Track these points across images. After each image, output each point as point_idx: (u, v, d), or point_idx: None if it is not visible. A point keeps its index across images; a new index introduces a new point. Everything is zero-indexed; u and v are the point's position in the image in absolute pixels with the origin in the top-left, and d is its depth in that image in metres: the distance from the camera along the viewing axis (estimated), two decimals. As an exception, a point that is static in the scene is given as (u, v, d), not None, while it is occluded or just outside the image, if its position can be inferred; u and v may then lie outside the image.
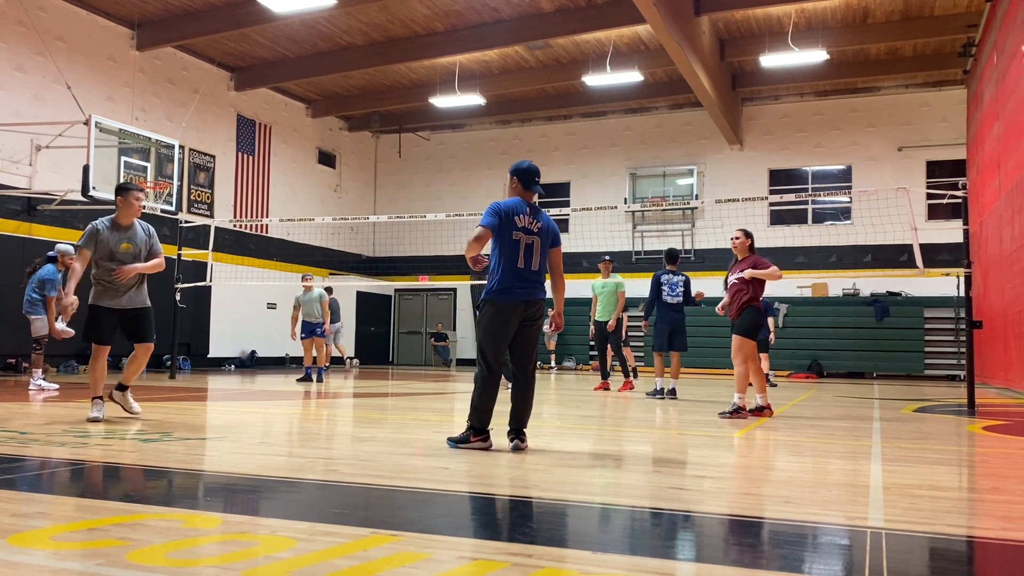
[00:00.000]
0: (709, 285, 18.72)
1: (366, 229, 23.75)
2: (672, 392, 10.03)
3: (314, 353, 12.94)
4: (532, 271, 4.95)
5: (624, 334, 11.86)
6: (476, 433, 4.93)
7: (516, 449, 4.85)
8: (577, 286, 21.16)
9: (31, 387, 9.73)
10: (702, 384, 14.12)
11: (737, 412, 7.28)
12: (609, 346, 11.85)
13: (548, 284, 5.19)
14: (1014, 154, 12.11)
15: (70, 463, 4.23)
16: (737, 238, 7.62)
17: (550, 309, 5.15)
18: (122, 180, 13.57)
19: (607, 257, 12.03)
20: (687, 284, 10.23)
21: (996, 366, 14.60)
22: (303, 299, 12.88)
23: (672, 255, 10.41)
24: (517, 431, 4.94)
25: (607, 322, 11.39)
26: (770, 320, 14.33)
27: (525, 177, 5.07)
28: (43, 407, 7.46)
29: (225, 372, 16.80)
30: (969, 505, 3.53)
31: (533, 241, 4.97)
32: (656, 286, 10.19)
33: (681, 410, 8.41)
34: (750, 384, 7.46)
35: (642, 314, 12.90)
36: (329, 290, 18.63)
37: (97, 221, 6.27)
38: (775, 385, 14.26)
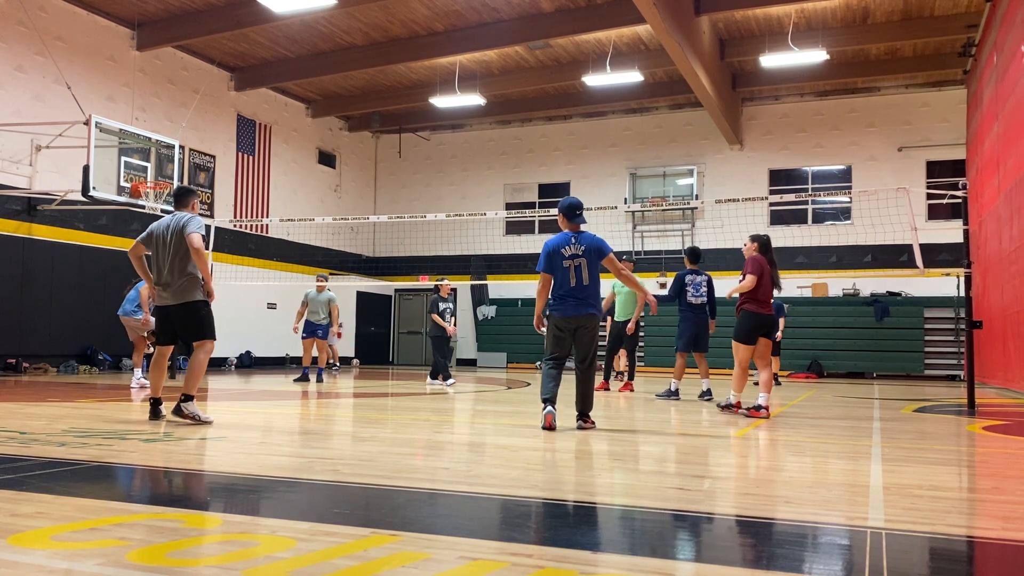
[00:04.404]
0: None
1: (366, 229, 23.74)
2: (708, 393, 9.97)
3: (314, 353, 12.92)
4: (582, 287, 6.06)
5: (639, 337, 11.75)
6: (543, 403, 6.09)
7: (580, 428, 6.07)
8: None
9: (133, 385, 10.33)
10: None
11: (729, 407, 7.79)
12: (623, 348, 11.78)
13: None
14: (1013, 154, 12.10)
15: (70, 463, 4.22)
16: (746, 244, 8.02)
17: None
18: (122, 180, 13.58)
19: (624, 257, 11.79)
20: (710, 284, 10.20)
21: (995, 366, 14.59)
22: (312, 297, 12.86)
23: (695, 254, 10.30)
24: (582, 414, 6.17)
25: (624, 322, 11.19)
26: (781, 320, 14.18)
27: (567, 212, 6.21)
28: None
29: (225, 372, 16.80)
30: (969, 505, 3.53)
31: (580, 263, 6.07)
32: (680, 286, 10.07)
33: (681, 410, 8.42)
34: (755, 383, 7.67)
35: (643, 318, 12.70)
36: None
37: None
38: (779, 384, 14.26)
